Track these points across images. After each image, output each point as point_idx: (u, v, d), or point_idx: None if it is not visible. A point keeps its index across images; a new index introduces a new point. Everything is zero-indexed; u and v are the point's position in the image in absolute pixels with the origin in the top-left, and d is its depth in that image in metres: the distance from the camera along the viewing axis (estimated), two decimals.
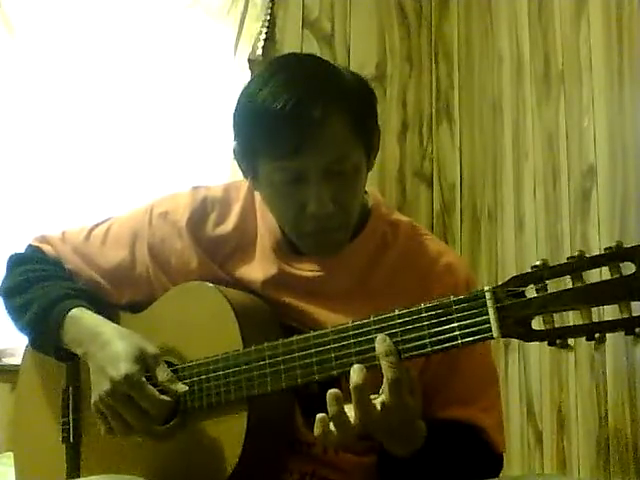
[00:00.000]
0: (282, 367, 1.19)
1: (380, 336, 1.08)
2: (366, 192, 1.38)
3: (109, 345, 1.29)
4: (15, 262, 1.50)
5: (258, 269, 1.35)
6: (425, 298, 1.11)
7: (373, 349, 1.10)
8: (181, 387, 1.26)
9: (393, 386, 1.06)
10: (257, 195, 1.38)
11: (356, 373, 1.08)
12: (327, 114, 1.19)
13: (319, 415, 1.08)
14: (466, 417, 1.27)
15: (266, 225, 1.36)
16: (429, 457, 1.16)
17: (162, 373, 1.27)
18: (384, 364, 1.06)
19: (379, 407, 1.06)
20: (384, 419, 1.07)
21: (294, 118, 1.18)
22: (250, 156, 1.27)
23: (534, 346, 2.23)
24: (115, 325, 1.36)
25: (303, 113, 1.18)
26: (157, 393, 1.24)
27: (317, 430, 1.08)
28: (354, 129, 1.23)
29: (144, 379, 1.25)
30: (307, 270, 1.33)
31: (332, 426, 1.07)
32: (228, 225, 1.38)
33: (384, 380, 1.07)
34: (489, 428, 1.31)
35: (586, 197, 2.06)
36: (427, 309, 1.08)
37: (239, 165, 1.32)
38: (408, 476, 1.21)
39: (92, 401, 1.28)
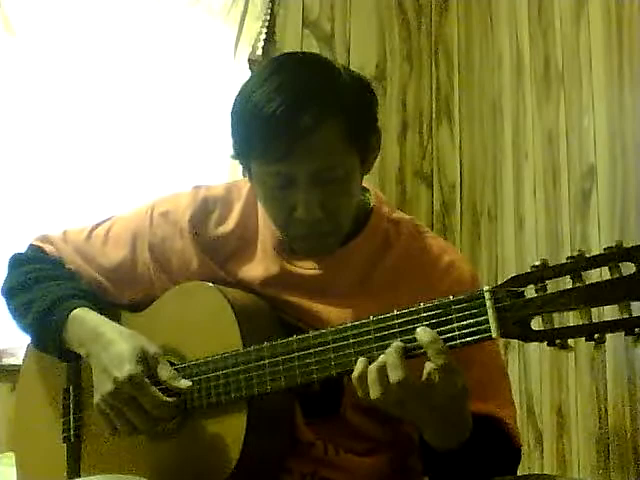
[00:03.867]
0: (281, 367, 1.19)
1: (420, 328, 1.07)
2: (368, 190, 1.38)
3: (112, 345, 1.29)
4: (16, 262, 1.50)
5: (259, 268, 1.35)
6: (429, 294, 1.11)
7: (371, 350, 1.11)
8: (184, 383, 1.26)
9: (442, 371, 1.05)
10: None
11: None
12: (318, 121, 1.18)
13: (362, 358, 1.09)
14: (486, 411, 1.25)
15: (267, 224, 1.35)
16: (472, 450, 1.16)
17: (164, 371, 1.27)
18: (431, 352, 1.06)
19: (424, 381, 1.06)
20: (429, 394, 1.07)
21: (285, 124, 1.17)
22: (243, 156, 1.27)
23: (534, 346, 2.23)
24: (117, 325, 1.35)
25: (294, 119, 1.17)
26: (160, 394, 1.24)
27: (356, 371, 1.09)
28: (348, 136, 1.21)
29: (147, 380, 1.24)
30: (309, 268, 1.33)
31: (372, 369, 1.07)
32: (229, 224, 1.38)
33: (431, 367, 1.06)
34: (510, 422, 1.30)
35: (586, 197, 2.06)
36: (426, 309, 1.08)
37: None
38: (454, 469, 1.20)
39: (95, 401, 1.28)
